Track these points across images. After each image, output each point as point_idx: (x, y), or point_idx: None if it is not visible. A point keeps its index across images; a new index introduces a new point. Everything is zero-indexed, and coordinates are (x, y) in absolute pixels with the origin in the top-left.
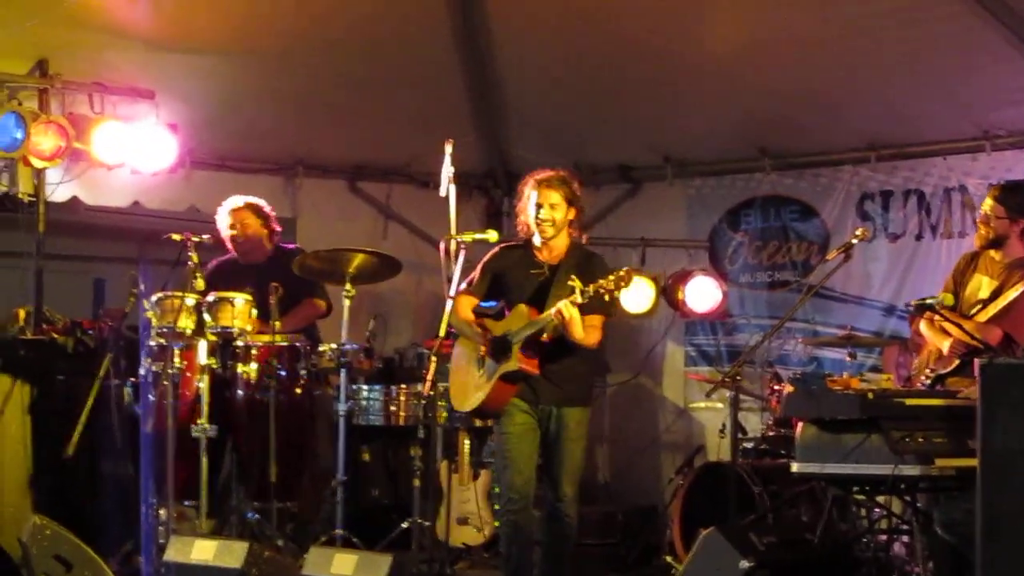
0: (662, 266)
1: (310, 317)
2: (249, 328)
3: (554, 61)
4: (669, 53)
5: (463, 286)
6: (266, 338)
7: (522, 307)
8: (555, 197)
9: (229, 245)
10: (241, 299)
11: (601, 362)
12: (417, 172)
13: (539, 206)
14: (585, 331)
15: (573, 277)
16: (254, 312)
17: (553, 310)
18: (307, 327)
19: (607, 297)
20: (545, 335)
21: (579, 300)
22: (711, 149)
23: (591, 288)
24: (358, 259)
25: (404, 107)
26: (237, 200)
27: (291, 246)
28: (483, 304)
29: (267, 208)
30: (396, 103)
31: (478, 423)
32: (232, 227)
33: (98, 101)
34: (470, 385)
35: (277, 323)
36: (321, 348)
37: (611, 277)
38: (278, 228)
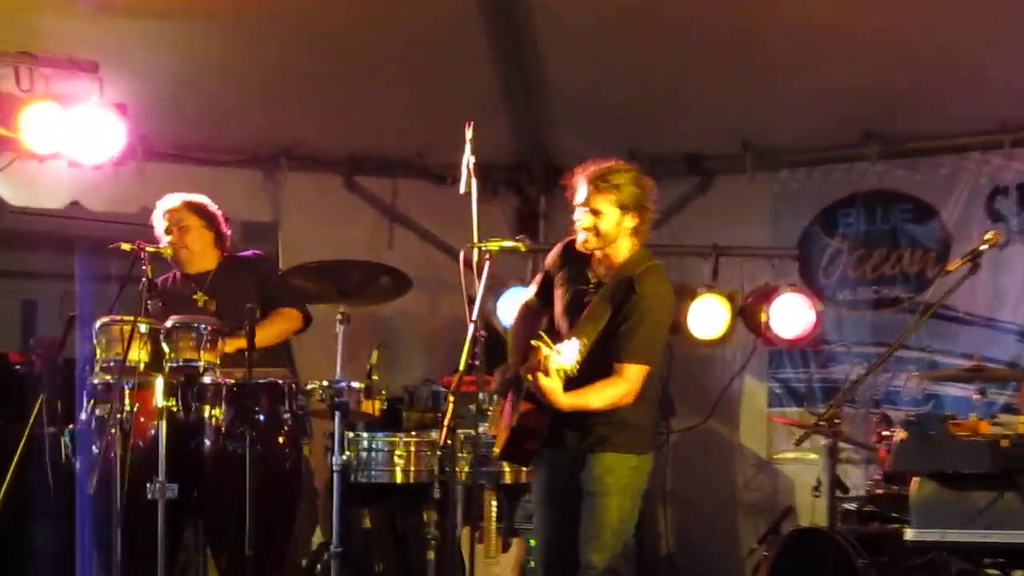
0: (739, 281)
1: (285, 332)
2: (218, 362)
3: (605, 26)
4: (749, 15)
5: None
6: (240, 374)
7: (542, 345)
8: (601, 202)
9: (167, 255)
10: (207, 325)
11: (661, 402)
12: (431, 164)
13: (580, 208)
14: (604, 386)
15: (541, 334)
16: (222, 342)
17: (523, 368)
18: (279, 350)
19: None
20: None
21: (543, 368)
22: (802, 133)
23: (552, 351)
24: (356, 273)
25: (414, 82)
26: (172, 199)
27: (248, 253)
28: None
29: (212, 207)
30: (404, 77)
31: (508, 478)
32: (168, 231)
33: (27, 76)
34: (504, 424)
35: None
36: (310, 386)
37: (543, 352)
38: (227, 231)
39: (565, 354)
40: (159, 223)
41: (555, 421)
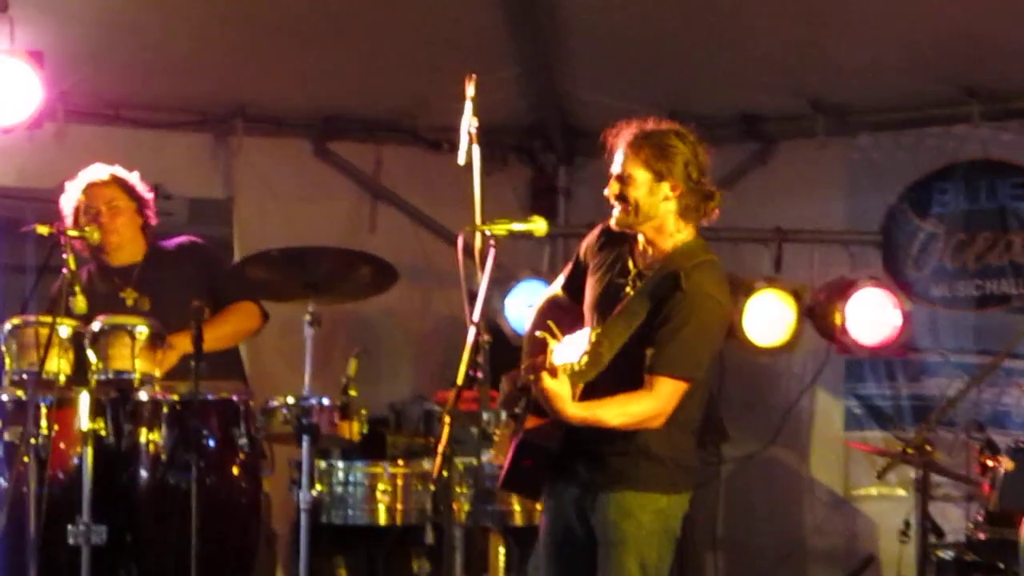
0: (808, 272)
1: (240, 332)
2: (157, 373)
3: None
4: None
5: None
6: (182, 387)
7: (550, 339)
8: (633, 166)
9: (79, 242)
10: (144, 327)
11: (708, 424)
12: (422, 127)
13: (610, 177)
14: (628, 400)
15: (554, 329)
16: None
17: (524, 367)
18: (230, 359)
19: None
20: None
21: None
22: (886, 90)
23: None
24: (329, 263)
25: (401, 27)
26: (98, 171)
27: (180, 239)
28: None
29: (139, 185)
30: (389, 21)
31: (518, 519)
32: (90, 212)
33: None
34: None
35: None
36: (273, 403)
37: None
38: (153, 217)
39: (571, 347)
40: (75, 200)
41: (566, 445)
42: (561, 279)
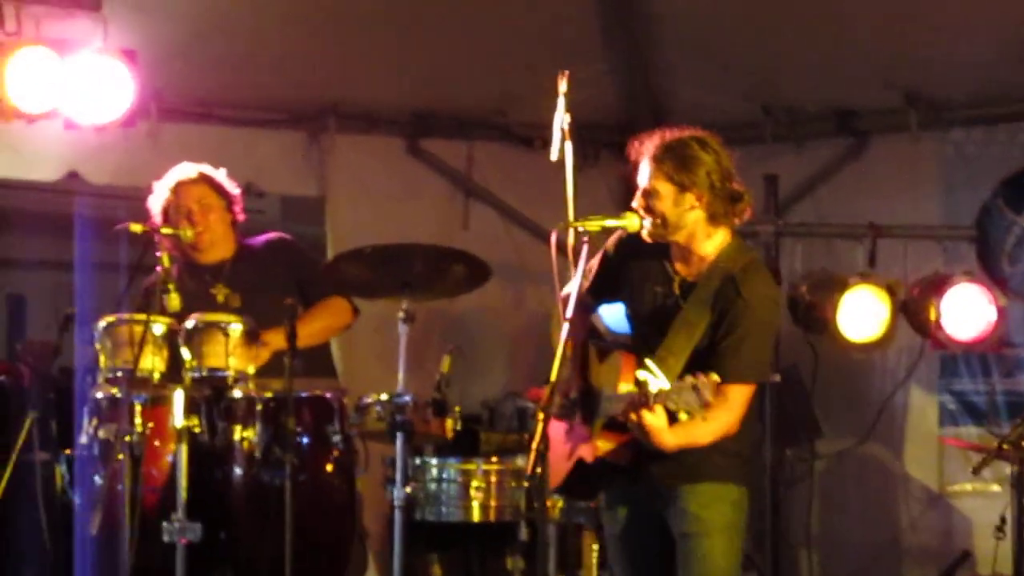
0: (902, 268)
1: (331, 329)
2: (251, 370)
3: None
4: None
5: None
6: (276, 384)
7: (620, 356)
8: (657, 179)
9: (170, 240)
10: (238, 325)
11: (803, 421)
12: (514, 124)
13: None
14: (708, 415)
15: (648, 362)
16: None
17: (621, 407)
18: (323, 356)
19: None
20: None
21: (650, 404)
22: (981, 82)
23: (670, 389)
24: (422, 261)
25: (492, 22)
26: (188, 169)
27: (268, 236)
28: (605, 319)
29: (227, 182)
30: (481, 15)
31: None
32: (182, 210)
33: (12, 16)
34: (562, 450)
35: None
36: (367, 400)
37: (702, 379)
38: (241, 213)
39: (659, 380)
40: (164, 199)
41: (636, 454)
42: (580, 277)
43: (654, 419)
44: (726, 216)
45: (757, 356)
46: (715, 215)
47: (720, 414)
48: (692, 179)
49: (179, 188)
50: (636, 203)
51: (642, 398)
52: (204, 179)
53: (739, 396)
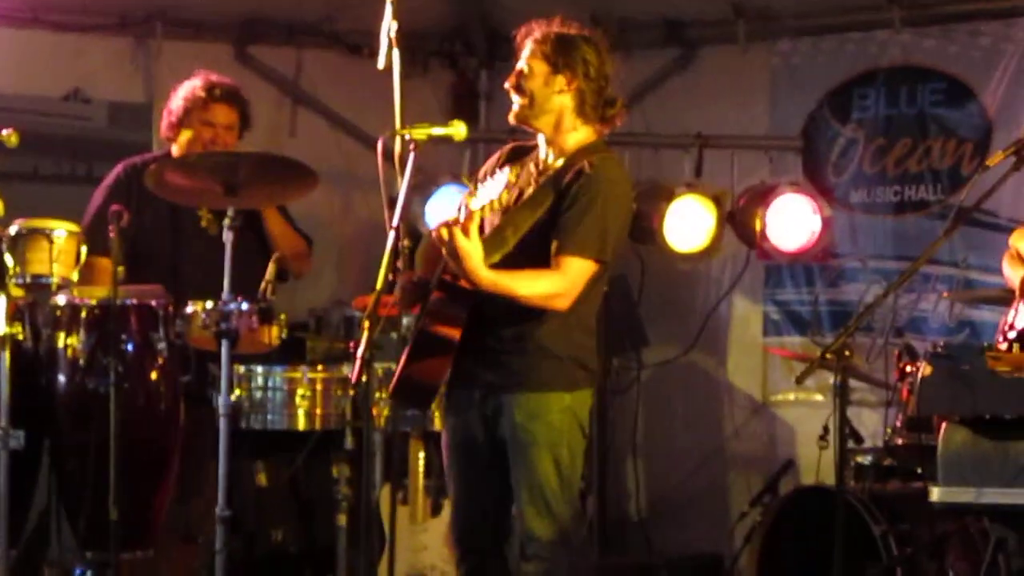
0: (729, 179)
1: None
2: (75, 277)
3: None
4: None
5: None
6: (100, 291)
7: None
8: (532, 56)
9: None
10: (63, 230)
11: (629, 329)
12: (343, 31)
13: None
14: (538, 275)
15: (464, 178)
16: (84, 251)
17: (434, 226)
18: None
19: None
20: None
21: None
22: None
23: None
24: (248, 167)
25: None
26: (226, 83)
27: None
28: None
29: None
30: None
31: (439, 424)
32: (211, 125)
33: None
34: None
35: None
36: (189, 309)
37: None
38: None
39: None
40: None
41: (463, 351)
42: (407, 185)
43: (466, 242)
44: (595, 111)
45: (596, 232)
46: (583, 107)
47: (550, 276)
48: (567, 62)
49: (214, 103)
50: (508, 83)
51: (454, 220)
52: (236, 95)
53: (572, 267)
